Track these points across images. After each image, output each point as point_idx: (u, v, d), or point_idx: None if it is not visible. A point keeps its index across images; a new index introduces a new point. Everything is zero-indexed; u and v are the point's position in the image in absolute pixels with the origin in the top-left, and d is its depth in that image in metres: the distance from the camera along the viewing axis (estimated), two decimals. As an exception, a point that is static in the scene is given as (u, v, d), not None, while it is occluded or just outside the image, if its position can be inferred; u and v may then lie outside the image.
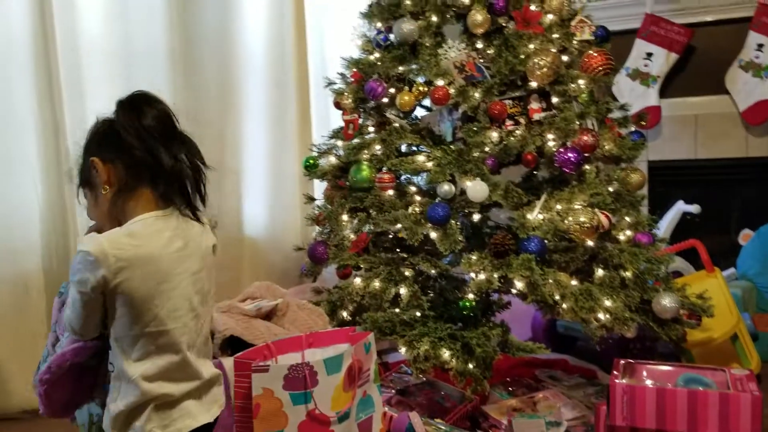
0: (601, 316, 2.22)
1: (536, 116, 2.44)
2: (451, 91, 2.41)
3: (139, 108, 1.42)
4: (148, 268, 1.36)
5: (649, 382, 2.00)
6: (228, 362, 1.90)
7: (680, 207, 3.66)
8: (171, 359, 1.41)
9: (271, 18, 3.24)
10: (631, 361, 2.15)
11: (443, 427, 2.13)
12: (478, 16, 2.46)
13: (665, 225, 3.59)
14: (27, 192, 2.53)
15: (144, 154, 1.39)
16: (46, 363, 1.48)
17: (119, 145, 1.40)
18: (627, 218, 2.46)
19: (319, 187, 3.12)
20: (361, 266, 2.52)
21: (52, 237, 2.64)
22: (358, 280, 2.45)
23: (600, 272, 2.36)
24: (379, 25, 2.68)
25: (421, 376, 2.29)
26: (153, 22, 2.85)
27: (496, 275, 2.24)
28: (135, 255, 1.35)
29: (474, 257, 2.30)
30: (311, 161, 2.81)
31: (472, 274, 2.31)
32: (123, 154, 1.40)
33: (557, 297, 2.21)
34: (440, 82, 2.41)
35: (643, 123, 2.81)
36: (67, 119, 2.61)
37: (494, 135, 2.39)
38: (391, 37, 2.61)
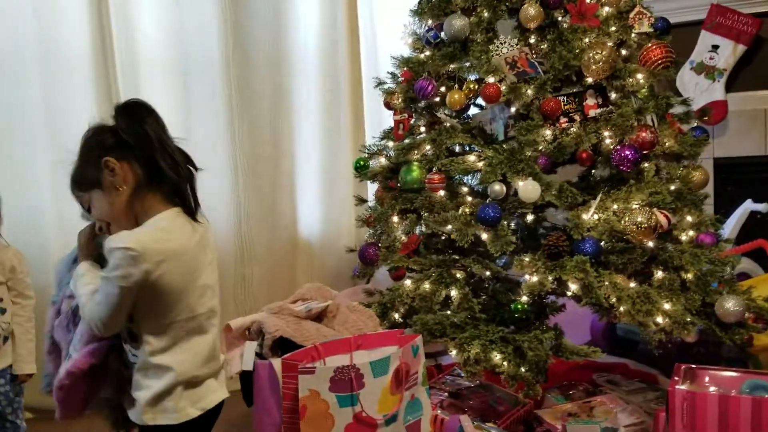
0: (659, 319, 2.13)
1: (592, 113, 2.37)
2: (503, 88, 2.36)
3: (138, 114, 1.48)
4: (181, 260, 1.45)
5: (711, 389, 1.91)
6: (278, 363, 1.92)
7: (748, 206, 3.49)
8: (199, 343, 1.51)
9: (324, 23, 3.25)
10: (693, 366, 2.06)
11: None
12: (531, 10, 2.40)
13: (732, 225, 3.43)
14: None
15: (148, 156, 1.45)
16: (65, 368, 1.50)
17: (128, 146, 1.46)
18: (689, 218, 2.36)
19: (372, 189, 3.10)
20: (412, 268, 2.49)
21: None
22: (408, 282, 2.42)
23: (659, 274, 2.27)
24: (429, 22, 2.65)
25: (473, 379, 2.25)
26: (208, 31, 2.90)
27: (550, 277, 2.18)
28: (170, 248, 1.43)
29: (527, 259, 2.25)
30: (361, 162, 2.80)
31: (526, 276, 2.26)
32: (134, 155, 1.46)
33: (613, 300, 2.14)
34: (491, 80, 2.36)
35: (706, 118, 2.69)
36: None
37: (548, 133, 2.33)
38: (442, 34, 2.57)
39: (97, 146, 1.48)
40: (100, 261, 1.51)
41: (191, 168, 1.54)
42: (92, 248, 1.55)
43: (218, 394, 1.57)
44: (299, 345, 2.00)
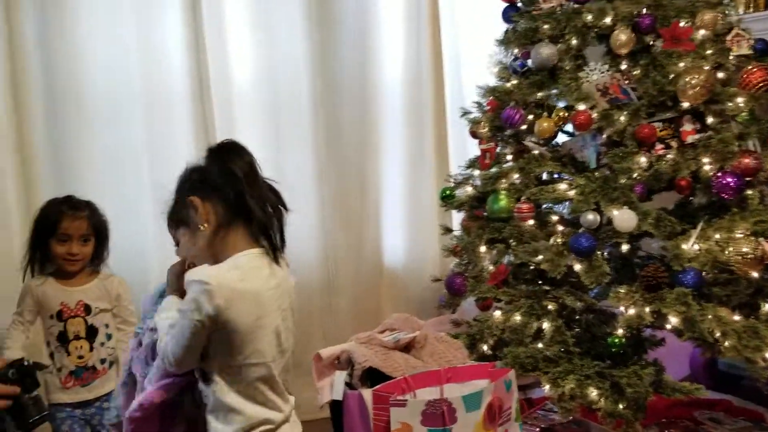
0: (768, 355, 2.01)
1: (689, 139, 2.29)
2: (594, 115, 2.31)
3: (227, 155, 1.52)
4: (251, 301, 1.43)
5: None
6: (367, 394, 1.91)
7: None
8: (267, 388, 1.48)
9: (408, 56, 3.29)
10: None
11: (591, 471, 2.01)
12: (622, 36, 2.36)
13: None
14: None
15: (235, 196, 1.47)
16: (138, 401, 1.50)
17: (214, 186, 1.49)
18: (799, 247, 2.23)
19: (457, 218, 3.09)
20: (501, 299, 2.45)
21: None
22: (498, 314, 2.38)
23: (767, 307, 2.15)
24: (515, 51, 2.63)
25: (567, 415, 2.17)
26: (297, 69, 2.99)
27: (648, 310, 2.10)
28: (243, 288, 1.42)
29: (623, 290, 2.17)
30: (448, 192, 2.80)
31: (622, 308, 2.18)
32: (218, 195, 1.49)
33: (717, 334, 2.03)
34: (582, 107, 2.32)
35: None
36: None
37: (643, 160, 2.26)
38: (529, 62, 2.55)
39: (187, 186, 1.54)
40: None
41: (281, 208, 1.56)
42: (181, 284, 1.55)
43: None
44: (388, 376, 1.99)
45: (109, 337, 2.25)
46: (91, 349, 2.22)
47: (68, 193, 2.29)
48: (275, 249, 1.52)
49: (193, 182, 1.54)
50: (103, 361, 2.24)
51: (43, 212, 2.22)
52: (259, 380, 1.46)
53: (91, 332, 2.23)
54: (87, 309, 2.23)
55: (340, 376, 2.10)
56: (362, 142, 3.18)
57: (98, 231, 2.26)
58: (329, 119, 3.05)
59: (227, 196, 1.48)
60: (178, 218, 1.56)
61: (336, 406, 2.11)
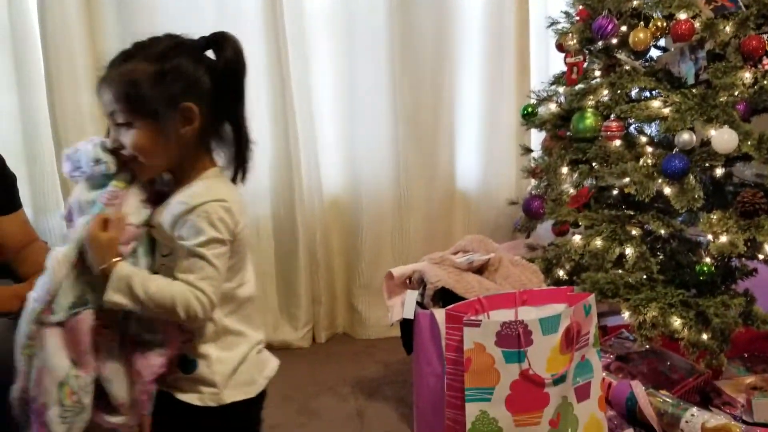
0: None
1: (803, 53, 2.08)
2: (697, 25, 2.12)
3: (235, 55, 1.32)
4: (246, 218, 1.31)
5: None
6: (439, 314, 1.88)
7: None
8: (251, 306, 1.37)
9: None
10: None
11: (669, 400, 1.94)
12: (732, -64, 2.12)
13: None
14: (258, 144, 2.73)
15: (233, 114, 1.32)
16: (163, 357, 1.26)
17: (211, 92, 1.27)
18: None
19: (536, 138, 2.95)
20: (581, 223, 2.34)
21: (278, 185, 2.86)
22: (577, 238, 2.28)
23: None
24: (611, -46, 2.42)
25: (647, 343, 2.10)
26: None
27: (742, 238, 1.96)
28: (244, 202, 1.31)
29: (715, 217, 2.04)
30: (529, 109, 2.66)
31: (709, 236, 2.06)
32: (212, 103, 1.27)
33: (819, 266, 1.89)
34: (683, 16, 2.12)
35: None
36: (292, 76, 2.78)
37: (747, 76, 2.07)
38: (625, -33, 2.35)
39: (186, 80, 1.24)
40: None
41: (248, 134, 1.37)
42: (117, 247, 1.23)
43: (274, 361, 1.43)
44: (460, 297, 1.95)
45: None
46: None
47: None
48: (242, 173, 1.35)
49: (198, 81, 1.26)
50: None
51: None
52: (247, 300, 1.35)
53: None
54: None
55: (412, 295, 2.07)
56: (438, 54, 3.04)
57: None
58: (404, 29, 2.92)
59: (222, 110, 1.30)
60: (145, 108, 1.22)
61: (406, 325, 2.10)
